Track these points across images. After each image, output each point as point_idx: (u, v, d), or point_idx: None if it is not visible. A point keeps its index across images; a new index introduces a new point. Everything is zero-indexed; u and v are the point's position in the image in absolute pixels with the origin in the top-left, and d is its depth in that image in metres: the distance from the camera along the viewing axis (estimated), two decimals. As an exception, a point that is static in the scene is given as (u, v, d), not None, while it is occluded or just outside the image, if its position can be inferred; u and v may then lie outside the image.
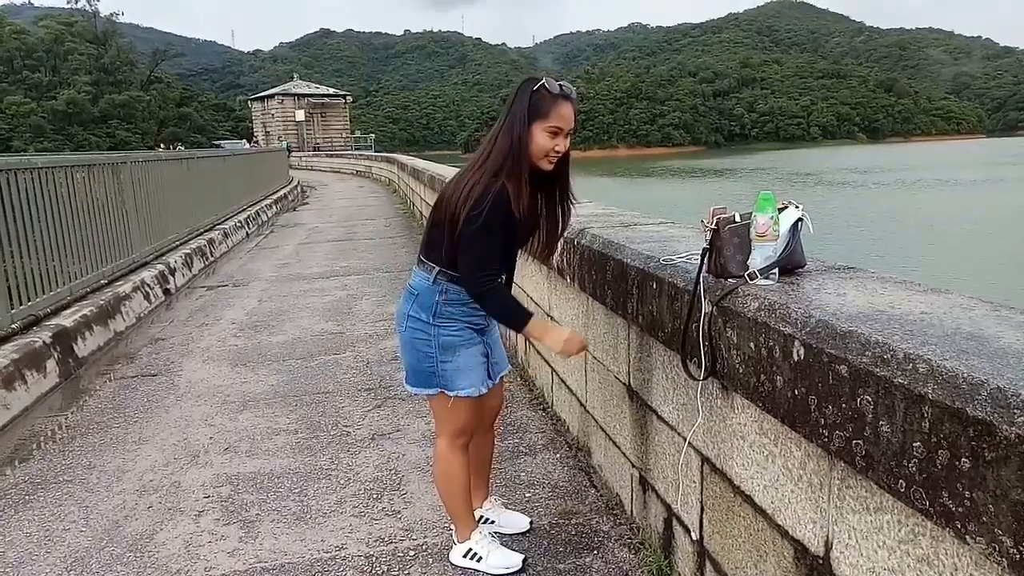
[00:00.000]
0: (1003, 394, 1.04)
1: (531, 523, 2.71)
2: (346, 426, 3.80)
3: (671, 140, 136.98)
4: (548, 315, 3.81)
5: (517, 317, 2.25)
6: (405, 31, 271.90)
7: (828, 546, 1.48)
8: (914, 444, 1.17)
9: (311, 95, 62.58)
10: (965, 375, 1.10)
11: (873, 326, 1.36)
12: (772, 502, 1.69)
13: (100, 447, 3.67)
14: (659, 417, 2.36)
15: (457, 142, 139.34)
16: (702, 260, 1.90)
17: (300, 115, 59.04)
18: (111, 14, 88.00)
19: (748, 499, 1.81)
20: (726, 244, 1.85)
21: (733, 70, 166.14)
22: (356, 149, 51.51)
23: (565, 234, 2.59)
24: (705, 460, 2.05)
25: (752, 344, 1.65)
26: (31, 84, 72.68)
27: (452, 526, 2.54)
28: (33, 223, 5.24)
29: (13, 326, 4.71)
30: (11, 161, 5.21)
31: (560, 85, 2.17)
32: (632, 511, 2.71)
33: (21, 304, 4.90)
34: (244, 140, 56.38)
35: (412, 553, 2.60)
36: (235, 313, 6.55)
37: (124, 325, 5.99)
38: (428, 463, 3.21)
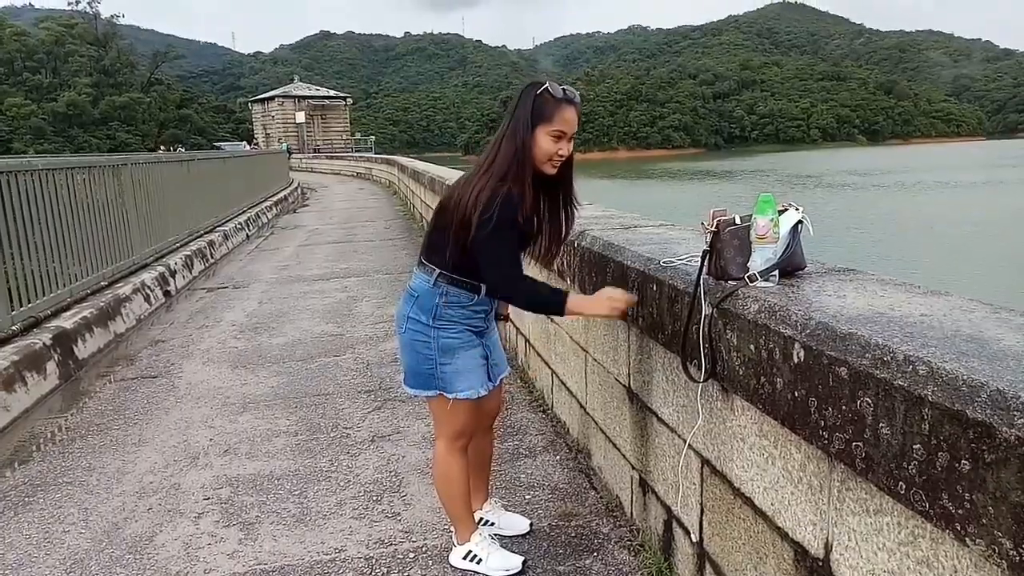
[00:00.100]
0: (1003, 396, 1.04)
1: (531, 525, 2.71)
2: (346, 428, 3.80)
3: (671, 142, 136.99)
4: (549, 316, 3.81)
5: (555, 305, 2.20)
6: (405, 33, 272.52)
7: (828, 548, 1.48)
8: (914, 446, 1.17)
9: (311, 97, 62.59)
10: (965, 377, 1.10)
11: (873, 328, 1.36)
12: (772, 504, 1.69)
13: (100, 449, 3.67)
14: (659, 419, 2.36)
15: (457, 144, 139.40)
16: (702, 262, 1.90)
17: (300, 117, 59.03)
18: (112, 16, 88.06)
19: (748, 501, 1.81)
20: (726, 246, 1.85)
21: (733, 72, 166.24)
22: (356, 151, 51.56)
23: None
24: (705, 462, 2.05)
25: (752, 346, 1.65)
26: (31, 86, 72.71)
27: (452, 528, 2.54)
28: (33, 225, 5.25)
29: (13, 328, 4.71)
30: (12, 163, 5.21)
31: (564, 89, 2.16)
32: (632, 513, 2.71)
33: (22, 306, 4.90)
34: (244, 142, 56.29)
35: (412, 555, 2.60)
36: (235, 315, 6.55)
37: (124, 327, 5.99)
38: (428, 465, 3.21)
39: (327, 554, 2.63)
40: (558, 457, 3.35)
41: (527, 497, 2.99)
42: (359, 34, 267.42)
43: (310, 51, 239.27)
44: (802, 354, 1.46)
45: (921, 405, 1.15)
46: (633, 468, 2.65)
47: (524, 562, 2.47)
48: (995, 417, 1.03)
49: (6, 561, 2.67)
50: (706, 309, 1.86)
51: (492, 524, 2.65)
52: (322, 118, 61.52)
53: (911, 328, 1.35)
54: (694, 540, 2.15)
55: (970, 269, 17.08)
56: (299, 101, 60.75)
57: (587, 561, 2.51)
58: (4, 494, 3.21)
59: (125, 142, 66.61)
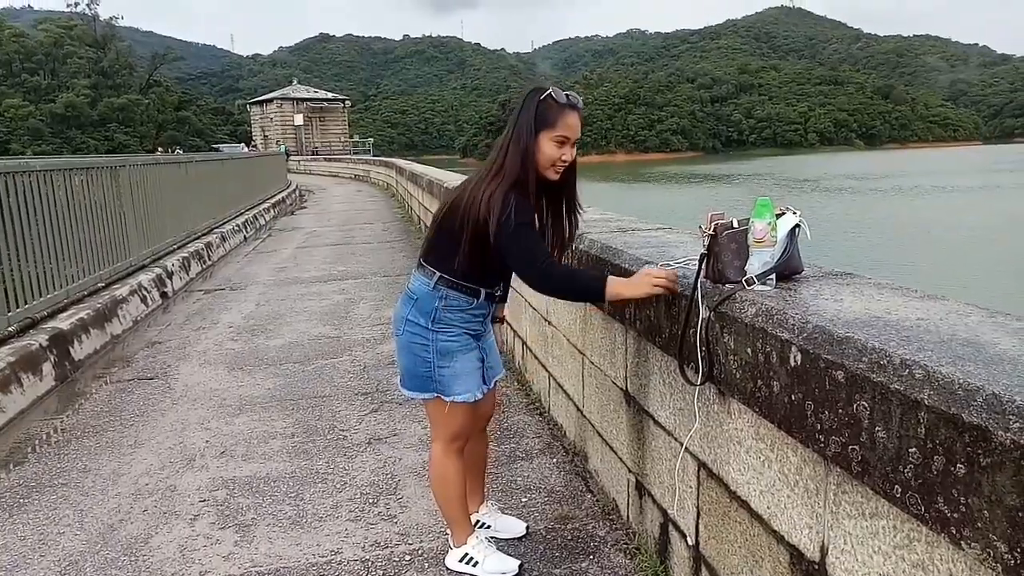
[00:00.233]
0: (998, 400, 1.04)
1: (527, 528, 2.71)
2: (342, 430, 3.79)
3: (669, 146, 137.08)
4: (546, 320, 3.81)
5: (595, 292, 2.16)
6: (404, 36, 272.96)
7: (824, 551, 1.48)
8: (910, 450, 1.17)
9: (310, 99, 62.64)
10: (961, 381, 1.11)
11: (870, 332, 1.37)
12: (768, 507, 1.69)
13: (96, 450, 3.66)
14: (656, 422, 2.36)
15: (456, 147, 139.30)
16: (700, 265, 1.91)
17: (299, 119, 59.04)
18: (110, 18, 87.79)
19: (744, 504, 1.81)
20: (724, 250, 1.85)
21: (731, 76, 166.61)
22: (355, 153, 51.56)
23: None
24: (702, 465, 2.05)
25: (749, 349, 1.66)
26: (30, 87, 72.59)
27: (448, 531, 2.54)
28: (31, 226, 5.24)
29: (10, 329, 4.70)
30: (9, 164, 5.21)
31: (567, 95, 2.16)
32: (628, 516, 2.71)
33: (18, 307, 4.89)
34: (243, 144, 56.29)
35: (408, 558, 2.60)
36: (232, 317, 6.54)
37: (121, 328, 5.98)
38: (424, 467, 3.20)
39: (323, 556, 2.63)
40: (555, 460, 3.35)
41: (523, 500, 2.98)
42: (358, 36, 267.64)
43: (309, 53, 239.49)
44: (799, 357, 1.46)
45: (917, 409, 1.15)
46: (630, 471, 2.65)
47: (520, 565, 2.46)
48: (991, 421, 1.03)
49: (1, 563, 2.66)
50: (703, 312, 1.86)
51: (488, 527, 2.65)
52: (320, 120, 61.56)
53: (907, 332, 1.36)
54: (690, 543, 2.15)
55: (966, 273, 17.10)
56: (297, 103, 60.79)
57: (583, 564, 2.51)
58: (-1, 496, 3.20)
59: (123, 144, 66.48)
